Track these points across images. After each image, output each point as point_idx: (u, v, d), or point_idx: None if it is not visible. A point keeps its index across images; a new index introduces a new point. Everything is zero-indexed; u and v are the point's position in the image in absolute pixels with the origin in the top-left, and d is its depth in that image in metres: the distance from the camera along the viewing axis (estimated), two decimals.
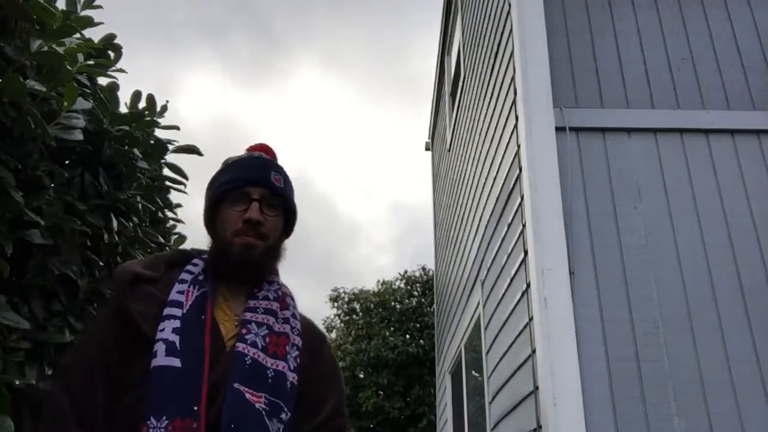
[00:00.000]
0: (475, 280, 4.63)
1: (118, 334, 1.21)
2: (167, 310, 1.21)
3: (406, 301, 16.31)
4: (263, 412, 1.16)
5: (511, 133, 3.36)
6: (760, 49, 3.43)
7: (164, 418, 1.09)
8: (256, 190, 1.30)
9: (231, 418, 1.13)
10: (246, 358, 1.19)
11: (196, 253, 1.38)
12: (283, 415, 1.19)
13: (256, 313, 1.28)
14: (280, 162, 1.43)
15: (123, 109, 2.13)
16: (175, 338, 1.17)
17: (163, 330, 1.18)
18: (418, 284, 16.62)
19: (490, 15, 4.21)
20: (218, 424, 1.12)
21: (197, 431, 1.10)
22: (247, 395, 1.16)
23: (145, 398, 1.11)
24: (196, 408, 1.11)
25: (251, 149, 1.41)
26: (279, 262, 1.38)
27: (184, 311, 1.22)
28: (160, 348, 1.16)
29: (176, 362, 1.14)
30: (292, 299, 1.39)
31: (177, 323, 1.19)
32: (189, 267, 1.32)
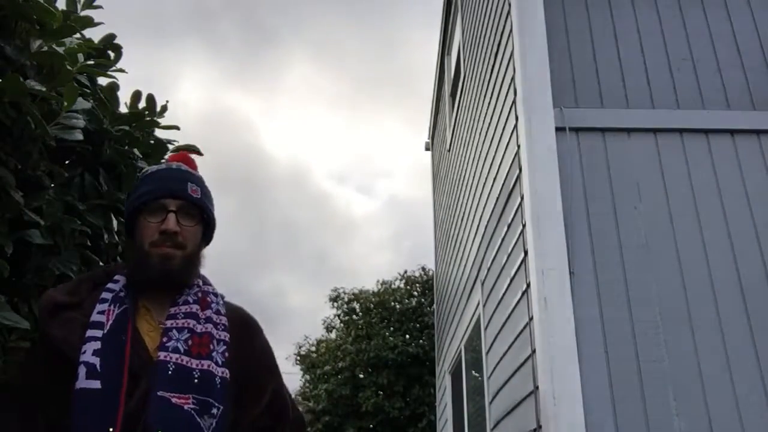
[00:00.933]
0: (475, 280, 4.63)
1: (47, 364, 1.25)
2: (89, 332, 1.24)
3: (406, 301, 16.31)
4: (192, 412, 1.21)
5: (511, 133, 3.36)
6: (760, 49, 3.43)
7: None
8: (173, 202, 1.33)
9: (156, 423, 1.17)
10: (169, 365, 1.24)
11: (121, 267, 1.41)
12: (214, 410, 1.24)
13: (176, 319, 1.31)
14: (199, 172, 1.47)
15: (123, 109, 2.12)
16: (95, 360, 1.20)
17: (84, 353, 1.21)
18: (418, 284, 16.62)
19: (490, 15, 4.21)
20: None
21: None
22: (174, 399, 1.20)
23: (71, 419, 1.16)
24: (111, 430, 1.15)
25: (171, 159, 1.47)
26: (198, 270, 1.41)
27: (105, 331, 1.25)
28: (81, 371, 1.19)
29: (96, 384, 1.18)
30: (215, 296, 1.42)
31: (98, 344, 1.22)
32: (109, 285, 1.34)
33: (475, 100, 4.83)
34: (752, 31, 3.48)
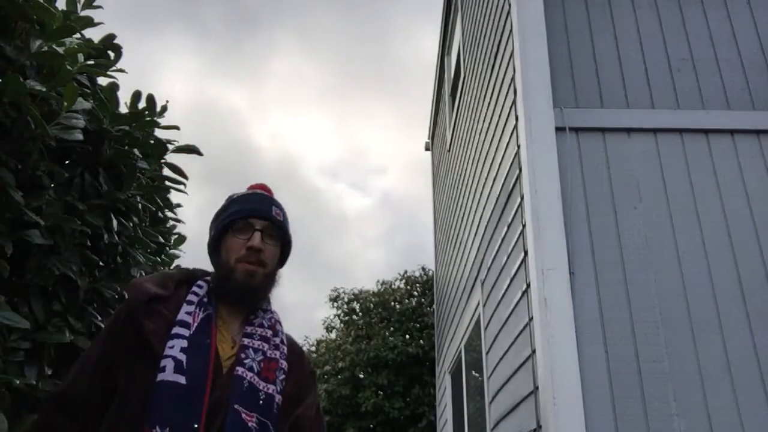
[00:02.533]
0: (475, 280, 4.63)
1: (125, 348, 1.33)
2: (176, 329, 1.33)
3: (406, 301, 16.31)
4: (254, 431, 1.30)
5: (511, 133, 3.36)
6: (760, 49, 3.43)
7: (167, 429, 1.21)
8: (259, 222, 1.45)
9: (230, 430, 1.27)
10: (244, 382, 1.33)
11: (200, 273, 1.51)
12: None
13: (253, 339, 1.41)
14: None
15: (123, 109, 2.12)
16: (183, 357, 1.29)
17: (172, 347, 1.30)
18: (417, 284, 16.62)
19: (490, 15, 4.21)
20: None
21: None
22: (243, 415, 1.29)
23: (150, 408, 1.23)
24: (196, 426, 1.23)
25: (252, 187, 1.59)
26: (274, 288, 1.52)
27: (191, 332, 1.34)
28: (168, 364, 1.27)
29: (182, 379, 1.26)
30: (280, 325, 1.53)
31: (184, 343, 1.31)
32: (195, 289, 1.44)
33: (475, 100, 4.83)
34: (752, 31, 3.48)
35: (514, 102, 3.31)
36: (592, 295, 2.81)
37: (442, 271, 7.79)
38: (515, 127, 3.27)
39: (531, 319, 2.87)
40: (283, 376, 1.43)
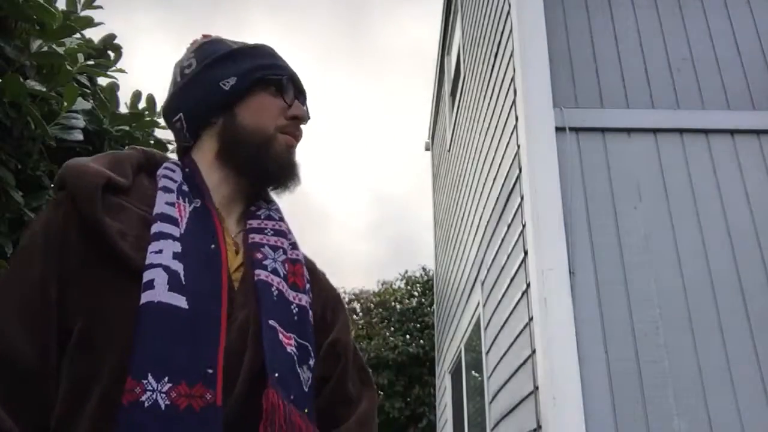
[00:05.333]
0: (475, 280, 4.63)
1: (77, 265, 0.81)
2: (159, 227, 0.85)
3: (406, 301, 16.32)
4: (294, 358, 0.88)
5: (511, 133, 3.36)
6: (760, 49, 3.43)
7: (165, 378, 0.75)
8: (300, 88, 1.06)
9: (274, 364, 0.83)
10: (272, 290, 0.90)
11: (159, 156, 1.04)
12: (311, 362, 0.91)
13: (265, 234, 0.98)
14: None
15: (123, 109, 2.13)
16: (179, 267, 0.82)
17: (159, 253, 0.81)
18: (418, 284, 16.63)
19: (490, 15, 4.21)
20: (248, 384, 0.81)
21: (212, 404, 0.76)
22: (280, 335, 0.87)
23: (133, 349, 0.75)
24: (211, 371, 0.78)
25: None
26: None
27: (182, 231, 0.86)
28: (158, 277, 0.79)
29: (181, 301, 0.80)
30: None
31: (177, 246, 0.84)
32: (166, 172, 0.96)
33: (475, 100, 4.83)
34: (752, 31, 3.48)
35: (514, 102, 3.31)
36: (592, 295, 2.81)
37: (442, 271, 7.80)
38: (515, 127, 3.27)
39: (531, 319, 2.87)
40: (308, 285, 0.99)
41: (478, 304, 4.44)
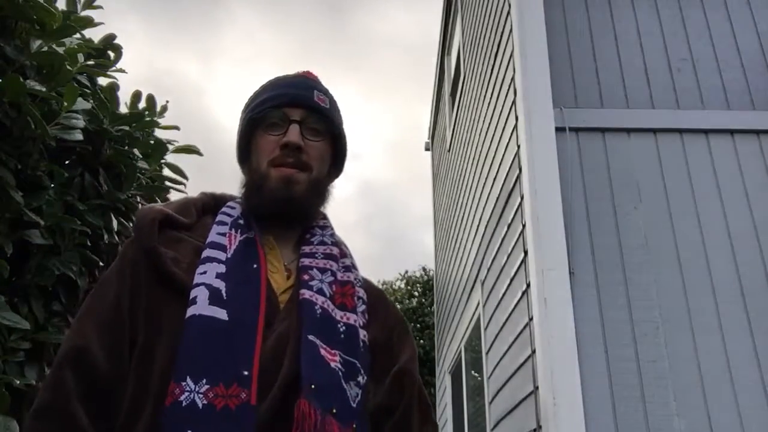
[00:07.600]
0: (475, 280, 4.63)
1: (142, 287, 0.96)
2: (207, 252, 0.98)
3: (407, 301, 16.34)
4: (340, 374, 0.93)
5: (511, 133, 3.36)
6: (760, 49, 3.43)
7: (204, 381, 0.84)
8: (297, 111, 1.07)
9: (309, 374, 0.89)
10: (315, 308, 0.97)
11: (228, 197, 1.15)
12: (360, 378, 0.97)
13: (315, 258, 1.05)
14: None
15: (123, 109, 2.13)
16: (221, 284, 0.93)
17: (204, 273, 0.94)
18: (418, 284, 16.65)
19: (489, 15, 4.21)
20: (284, 391, 0.88)
21: (246, 402, 0.84)
22: (322, 351, 0.93)
23: (178, 356, 0.87)
24: (246, 373, 0.86)
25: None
26: (325, 203, 1.15)
27: (229, 255, 0.98)
28: (201, 294, 0.91)
29: (222, 313, 0.90)
30: (346, 246, 1.17)
31: (221, 268, 0.96)
32: (225, 209, 1.09)
33: (475, 100, 4.83)
34: (752, 31, 3.48)
35: (514, 102, 3.31)
36: (592, 295, 2.81)
37: (442, 271, 7.80)
38: (515, 127, 3.27)
39: (531, 319, 2.87)
40: (364, 307, 1.06)
41: (478, 304, 4.44)
